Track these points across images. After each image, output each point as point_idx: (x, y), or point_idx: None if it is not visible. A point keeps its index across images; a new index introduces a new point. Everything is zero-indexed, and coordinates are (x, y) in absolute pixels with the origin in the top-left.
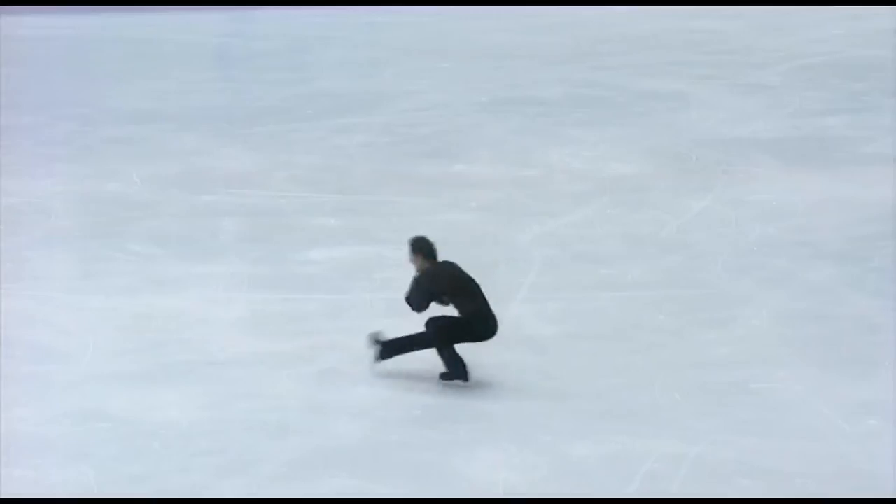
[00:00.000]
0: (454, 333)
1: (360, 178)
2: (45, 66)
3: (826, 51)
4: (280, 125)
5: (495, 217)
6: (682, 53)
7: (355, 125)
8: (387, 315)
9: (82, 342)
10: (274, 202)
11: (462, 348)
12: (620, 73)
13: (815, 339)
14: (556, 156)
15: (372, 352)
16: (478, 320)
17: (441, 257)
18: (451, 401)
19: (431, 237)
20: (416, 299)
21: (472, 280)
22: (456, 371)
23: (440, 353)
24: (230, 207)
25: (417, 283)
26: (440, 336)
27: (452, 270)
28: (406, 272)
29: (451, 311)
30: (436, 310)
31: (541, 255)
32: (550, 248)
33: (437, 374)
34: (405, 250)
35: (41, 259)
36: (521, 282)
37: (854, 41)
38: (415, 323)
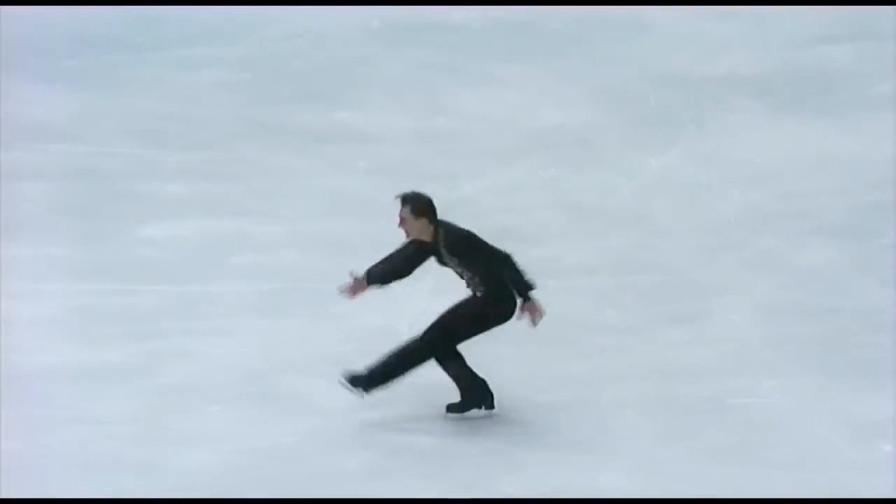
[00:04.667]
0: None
1: (211, 130)
2: None
3: None
4: (102, 57)
5: (392, 181)
6: None
7: (205, 58)
8: (251, 312)
9: None
10: (97, 161)
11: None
12: None
13: (812, 340)
14: (471, 100)
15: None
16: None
17: (324, 231)
18: (335, 424)
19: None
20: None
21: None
22: (478, 395)
23: (449, 369)
24: (37, 168)
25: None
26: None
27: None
28: (275, 254)
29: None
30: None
31: None
32: (466, 221)
33: (332, 385)
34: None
35: None
36: (426, 266)
37: None
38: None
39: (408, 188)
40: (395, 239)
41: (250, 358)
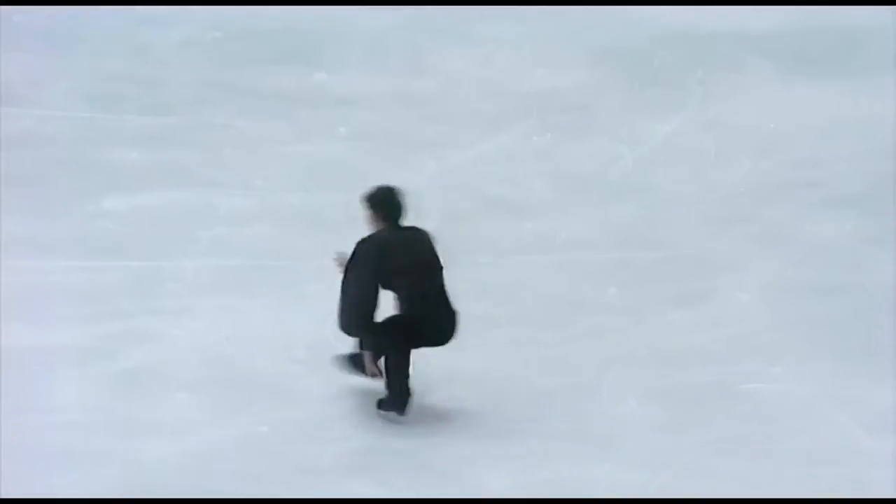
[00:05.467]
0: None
1: (176, 93)
2: None
3: None
4: (55, 12)
5: (374, 148)
6: None
7: (170, 15)
8: (220, 290)
9: None
10: (50, 126)
11: None
12: None
13: (825, 320)
14: (459, 61)
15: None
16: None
17: (299, 203)
18: (312, 413)
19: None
20: (352, 287)
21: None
22: (398, 400)
23: (386, 370)
24: None
25: (353, 256)
26: (398, 342)
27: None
28: (246, 228)
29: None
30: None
31: (439, 202)
32: (452, 192)
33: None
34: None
35: None
36: None
37: None
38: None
39: (391, 156)
40: None
41: (219, 340)
